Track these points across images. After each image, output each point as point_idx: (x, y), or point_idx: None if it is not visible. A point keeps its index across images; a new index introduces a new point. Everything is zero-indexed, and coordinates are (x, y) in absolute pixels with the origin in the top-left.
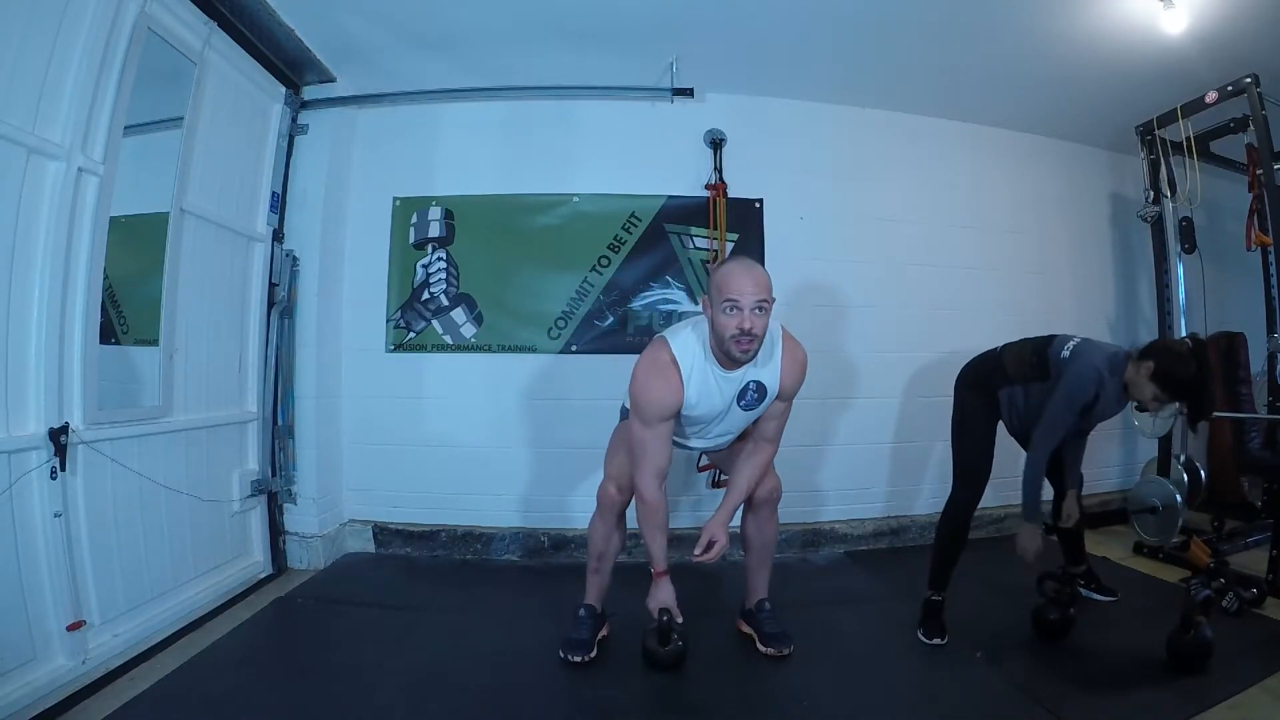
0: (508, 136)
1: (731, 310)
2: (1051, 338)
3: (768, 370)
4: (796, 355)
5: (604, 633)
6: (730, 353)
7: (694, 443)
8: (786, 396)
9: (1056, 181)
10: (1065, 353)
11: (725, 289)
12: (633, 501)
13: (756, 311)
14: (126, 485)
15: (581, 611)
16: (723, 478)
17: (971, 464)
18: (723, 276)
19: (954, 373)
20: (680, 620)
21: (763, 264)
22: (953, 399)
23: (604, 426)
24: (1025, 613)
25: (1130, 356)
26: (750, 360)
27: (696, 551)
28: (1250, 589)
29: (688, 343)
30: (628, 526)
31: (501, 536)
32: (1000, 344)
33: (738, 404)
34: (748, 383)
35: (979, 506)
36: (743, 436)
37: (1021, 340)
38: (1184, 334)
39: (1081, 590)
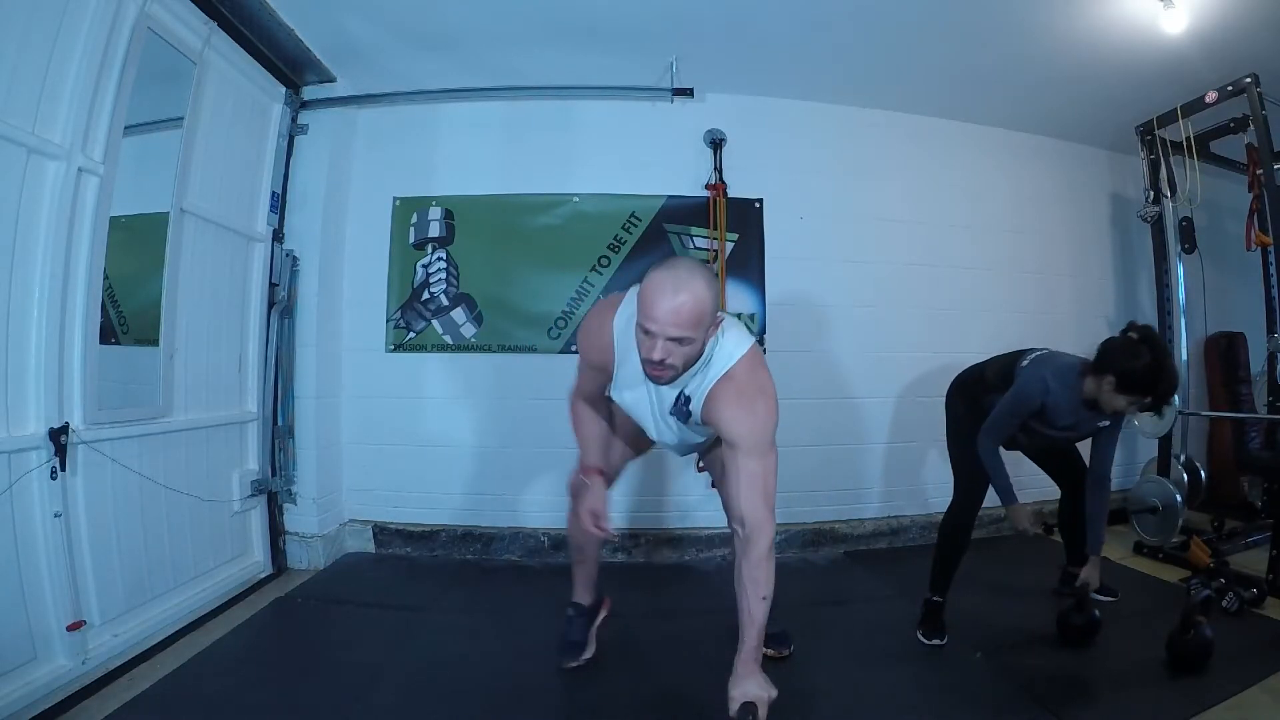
0: (508, 136)
1: (647, 333)
2: (1021, 352)
3: (697, 391)
4: (745, 393)
5: (603, 614)
6: (647, 373)
7: (652, 435)
8: (732, 440)
9: (1056, 181)
10: (1025, 362)
11: (644, 306)
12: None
13: (673, 344)
14: (126, 485)
15: (570, 611)
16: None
17: (968, 472)
18: (647, 289)
19: (953, 373)
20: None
21: (762, 264)
22: (945, 411)
23: None
24: (1025, 613)
25: (1086, 370)
26: (669, 384)
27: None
28: (1250, 589)
29: (631, 324)
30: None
31: (501, 536)
32: (991, 353)
33: (669, 412)
34: (680, 391)
35: (987, 505)
36: (715, 460)
37: (1005, 353)
38: (1168, 335)
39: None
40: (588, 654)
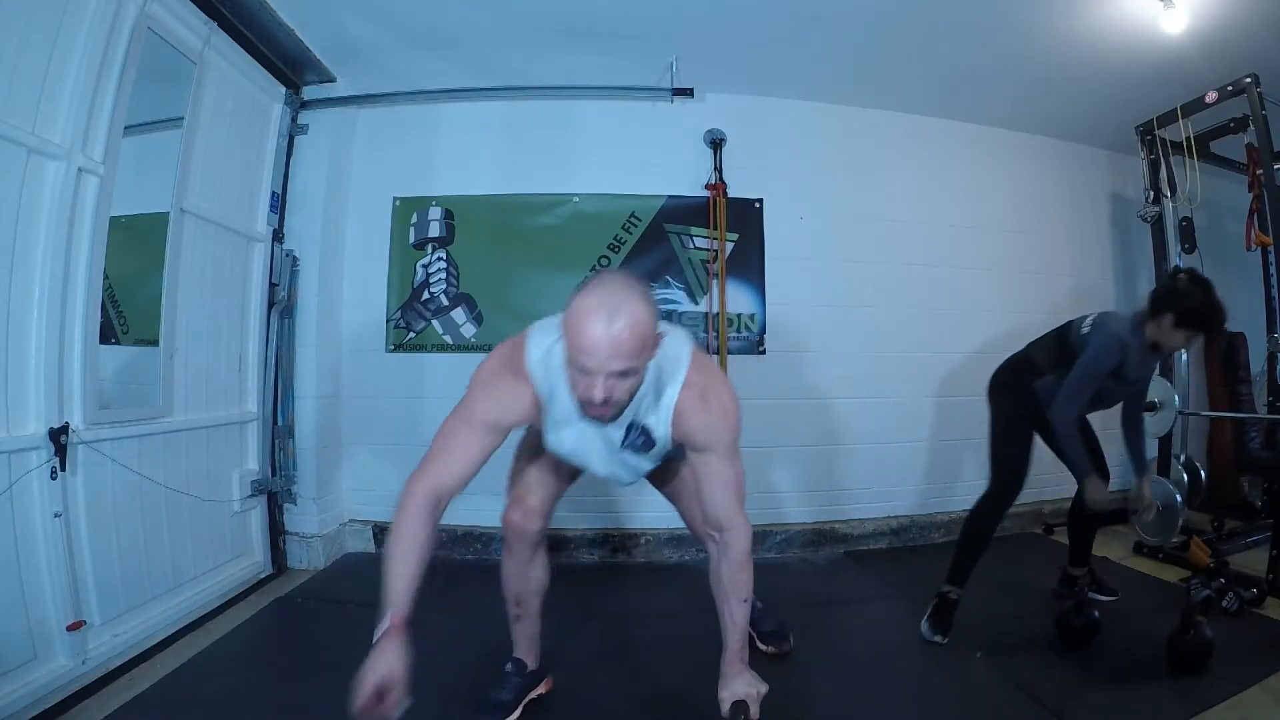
0: (508, 136)
1: (583, 371)
2: (1068, 324)
3: (655, 416)
4: (708, 395)
5: (541, 691)
6: (586, 412)
7: (599, 473)
8: (703, 447)
9: (1056, 181)
10: (1085, 329)
11: (575, 340)
12: (539, 529)
13: (616, 379)
14: (126, 485)
15: (509, 666)
16: None
17: (1011, 466)
18: (577, 319)
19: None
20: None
21: (762, 264)
22: (989, 406)
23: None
24: (1025, 613)
25: (1144, 318)
26: (614, 421)
27: None
28: (1250, 589)
29: (551, 357)
30: (548, 558)
31: (501, 536)
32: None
33: (622, 444)
34: (631, 422)
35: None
36: (670, 474)
37: (1042, 336)
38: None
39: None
40: (512, 719)
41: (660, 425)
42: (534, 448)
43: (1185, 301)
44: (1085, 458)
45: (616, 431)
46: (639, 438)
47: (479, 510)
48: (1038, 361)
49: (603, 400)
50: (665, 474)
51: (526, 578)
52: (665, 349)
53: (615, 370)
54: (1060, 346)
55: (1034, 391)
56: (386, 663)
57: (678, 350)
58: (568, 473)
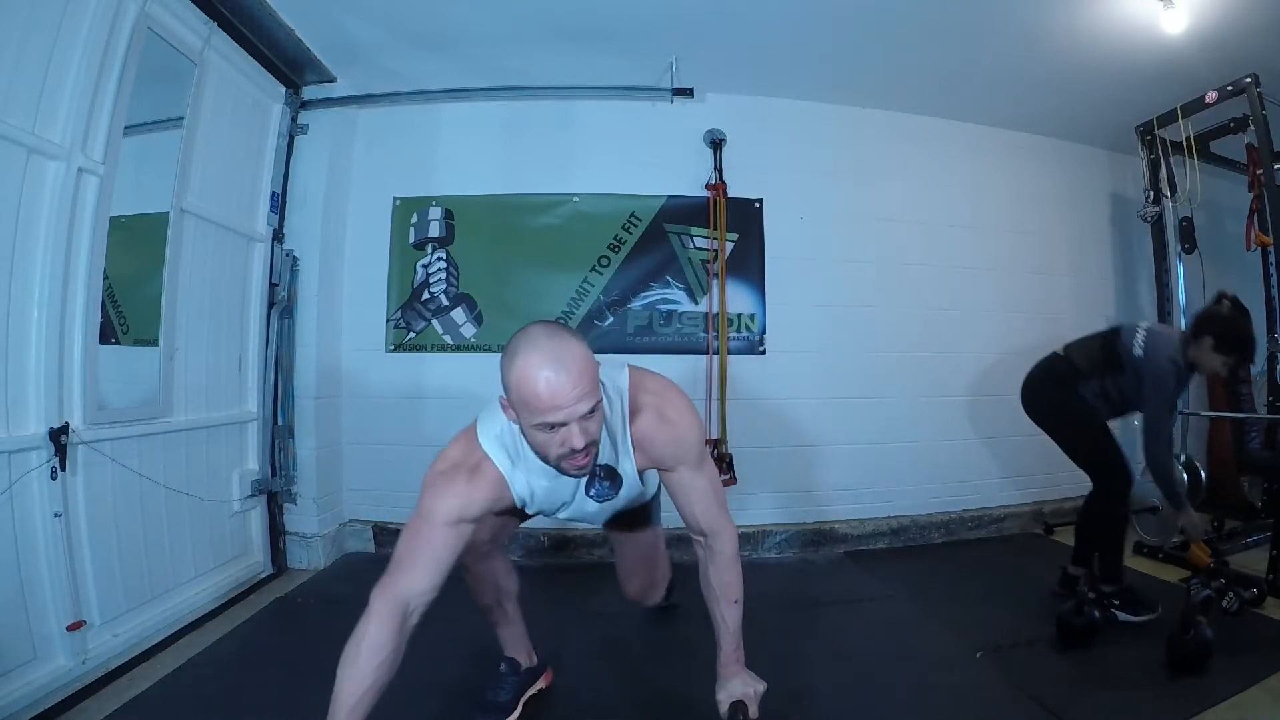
0: (508, 136)
1: (553, 429)
2: (1116, 331)
3: (615, 452)
4: (664, 411)
5: (541, 685)
6: (563, 471)
7: (564, 516)
8: (672, 465)
9: (1056, 181)
10: (1138, 349)
11: (535, 402)
12: (488, 552)
13: (587, 420)
14: (126, 485)
15: (502, 667)
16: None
17: (1106, 460)
18: (527, 381)
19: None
20: None
21: (762, 264)
22: (1042, 420)
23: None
24: (1025, 613)
25: (1186, 339)
26: (590, 470)
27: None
28: (1250, 589)
29: (505, 437)
30: (508, 563)
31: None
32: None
33: (587, 494)
34: (591, 469)
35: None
36: (628, 522)
37: (1082, 339)
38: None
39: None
40: (511, 718)
41: (625, 460)
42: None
43: (1226, 329)
44: (1176, 488)
45: (580, 482)
46: (604, 484)
47: None
48: (1080, 366)
49: (584, 445)
50: (625, 522)
51: (492, 588)
52: (603, 382)
53: (585, 412)
54: (1105, 353)
55: (1085, 398)
56: None
57: (614, 378)
58: (519, 519)
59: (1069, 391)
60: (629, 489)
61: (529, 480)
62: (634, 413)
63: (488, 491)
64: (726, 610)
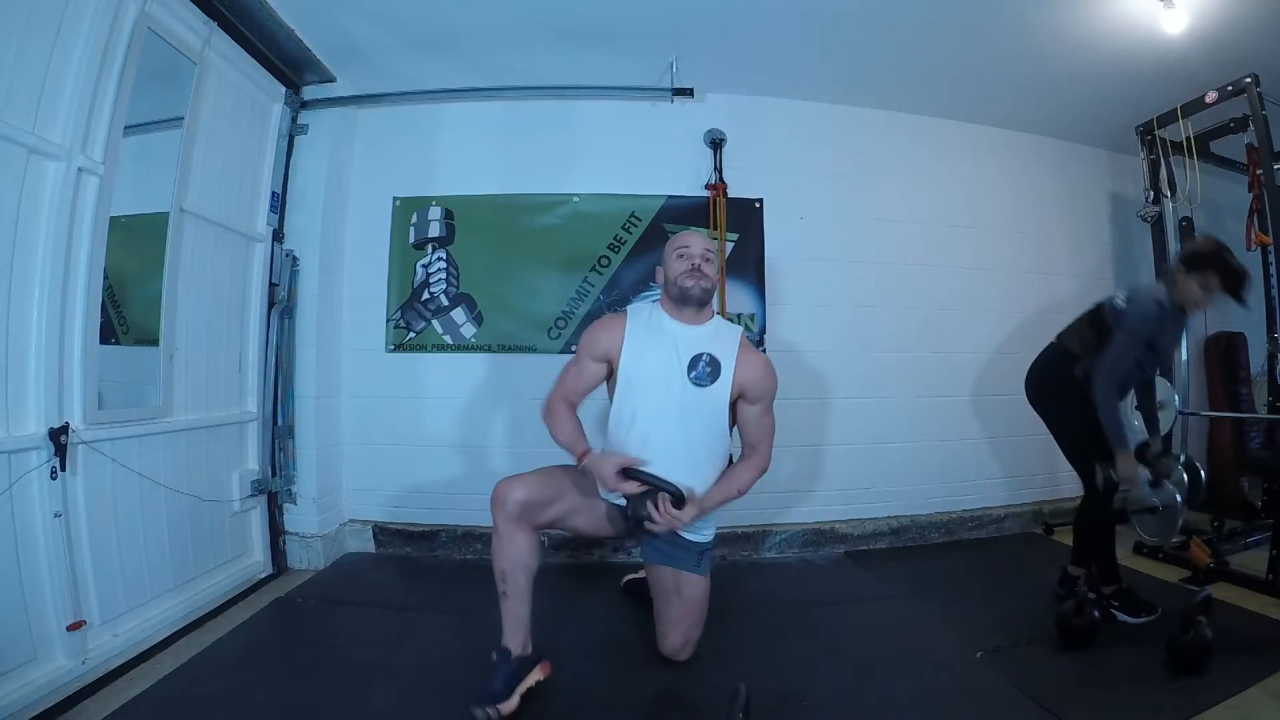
0: (508, 136)
1: (682, 256)
2: (1098, 305)
3: (723, 348)
4: (759, 356)
5: (539, 677)
6: (682, 285)
7: (633, 447)
8: (754, 397)
9: (1056, 181)
10: (1119, 303)
11: (676, 242)
12: (517, 512)
13: (706, 261)
14: (126, 485)
15: (495, 656)
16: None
17: (1091, 456)
18: (676, 239)
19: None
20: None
21: (762, 264)
22: (1040, 411)
23: (604, 427)
24: (1025, 613)
25: (1171, 279)
26: (701, 297)
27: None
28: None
29: (641, 304)
30: (536, 545)
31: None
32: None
33: (688, 375)
34: (700, 352)
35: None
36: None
37: (1072, 322)
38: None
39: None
40: (506, 707)
41: (726, 360)
42: (567, 487)
43: (1191, 247)
44: (1123, 426)
45: (688, 351)
46: (706, 368)
47: (479, 510)
48: (1072, 348)
49: (697, 264)
50: (657, 573)
51: (510, 555)
52: (730, 317)
53: (707, 257)
54: (1094, 326)
55: (1079, 381)
56: (606, 463)
57: (734, 327)
58: (568, 506)
59: (1063, 376)
60: (716, 396)
61: (645, 346)
62: (742, 345)
63: (616, 338)
64: (729, 486)
